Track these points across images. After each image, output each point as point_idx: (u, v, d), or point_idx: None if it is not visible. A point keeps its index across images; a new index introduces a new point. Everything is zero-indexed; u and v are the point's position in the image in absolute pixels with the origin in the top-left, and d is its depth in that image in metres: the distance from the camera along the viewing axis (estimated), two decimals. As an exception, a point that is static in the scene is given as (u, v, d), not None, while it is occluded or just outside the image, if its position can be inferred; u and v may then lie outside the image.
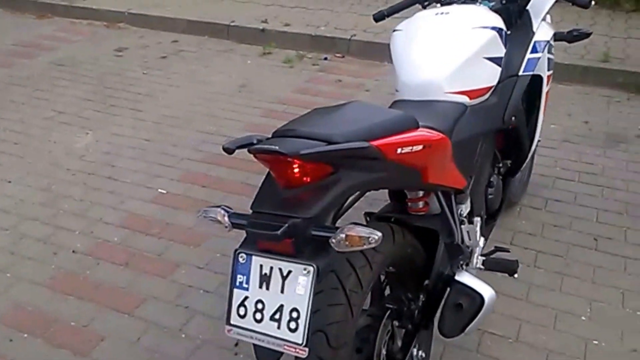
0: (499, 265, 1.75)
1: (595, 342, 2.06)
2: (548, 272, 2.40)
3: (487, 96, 1.88)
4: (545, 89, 2.16)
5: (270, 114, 3.85)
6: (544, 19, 2.16)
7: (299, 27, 5.02)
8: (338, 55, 4.74)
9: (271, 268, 1.27)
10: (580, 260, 2.47)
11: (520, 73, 2.02)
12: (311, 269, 1.22)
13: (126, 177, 3.19)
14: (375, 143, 1.30)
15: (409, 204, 1.73)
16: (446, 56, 1.81)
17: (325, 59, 4.70)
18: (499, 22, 1.92)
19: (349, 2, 5.63)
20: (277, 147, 1.22)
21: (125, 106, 4.05)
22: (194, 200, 2.98)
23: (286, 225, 1.22)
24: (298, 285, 1.23)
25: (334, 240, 1.20)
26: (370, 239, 1.19)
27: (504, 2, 2.09)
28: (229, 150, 1.33)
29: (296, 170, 1.25)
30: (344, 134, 1.28)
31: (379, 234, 1.20)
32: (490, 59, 1.87)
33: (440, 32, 1.88)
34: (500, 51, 1.90)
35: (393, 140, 1.35)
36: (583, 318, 2.17)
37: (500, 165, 2.17)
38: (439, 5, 2.19)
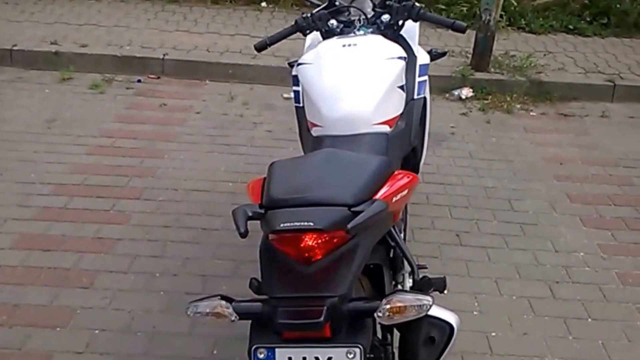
0: (429, 284, 1.83)
1: (493, 333, 2.29)
2: (432, 275, 2.57)
3: (398, 123, 1.96)
4: (429, 108, 2.31)
5: (99, 151, 3.43)
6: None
7: (100, 48, 4.54)
8: (152, 76, 4.41)
9: (304, 359, 1.16)
10: (452, 257, 2.71)
11: (415, 97, 2.12)
12: (357, 350, 1.15)
13: None
14: (379, 197, 1.30)
15: None
16: (369, 89, 1.86)
17: (139, 81, 4.34)
18: (402, 51, 2.00)
19: (145, 17, 5.26)
20: (312, 224, 1.14)
21: None
22: (40, 270, 2.52)
23: (325, 308, 1.11)
24: None
25: (380, 314, 1.14)
26: (423, 307, 1.16)
27: (382, 28, 2.15)
28: (243, 236, 1.17)
29: (318, 242, 1.18)
30: (355, 195, 1.25)
31: (430, 298, 1.17)
32: (400, 87, 1.97)
33: (357, 64, 1.92)
34: (404, 78, 2.01)
35: (391, 191, 1.37)
36: (475, 313, 2.39)
37: None
38: (319, 34, 2.19)
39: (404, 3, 2.13)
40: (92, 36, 4.75)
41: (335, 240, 1.21)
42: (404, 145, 2.04)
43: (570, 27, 5.16)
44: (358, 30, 2.12)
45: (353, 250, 1.23)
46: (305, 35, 2.21)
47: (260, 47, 2.23)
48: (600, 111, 4.17)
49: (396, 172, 1.51)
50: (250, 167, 3.37)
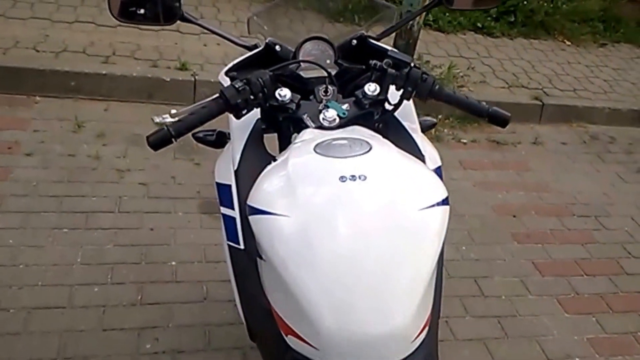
0: None
1: None
2: None
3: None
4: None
5: None
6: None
7: None
8: (-49, 90, 3.01)
9: None
10: None
11: None
12: None
13: None
14: None
15: None
16: (405, 282, 1.01)
17: None
18: (443, 188, 1.14)
19: None
20: None
21: None
22: None
23: None
24: None
25: None
26: None
27: (366, 105, 1.32)
28: None
29: None
30: None
31: None
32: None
33: (375, 226, 1.02)
34: None
35: None
36: None
37: None
38: (257, 111, 1.31)
39: (405, 70, 1.28)
40: None
41: None
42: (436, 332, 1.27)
43: (479, 25, 4.65)
44: (326, 108, 1.29)
45: None
46: (238, 117, 1.26)
47: (157, 143, 1.21)
48: (532, 136, 3.69)
49: None
50: (123, 254, 2.28)
